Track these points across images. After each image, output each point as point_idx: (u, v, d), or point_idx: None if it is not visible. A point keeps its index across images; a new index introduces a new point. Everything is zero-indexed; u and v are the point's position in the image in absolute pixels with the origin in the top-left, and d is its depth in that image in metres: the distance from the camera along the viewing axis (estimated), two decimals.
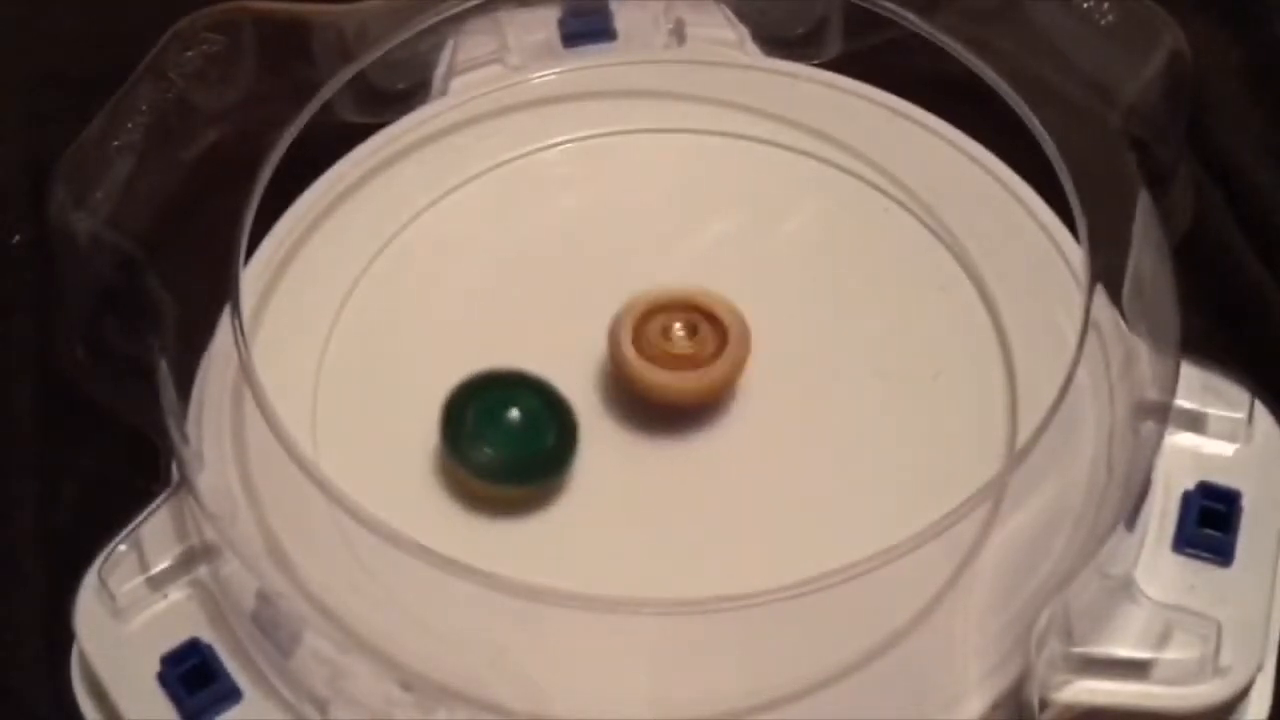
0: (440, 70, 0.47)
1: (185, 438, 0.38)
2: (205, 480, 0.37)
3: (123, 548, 0.37)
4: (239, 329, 0.38)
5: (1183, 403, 0.39)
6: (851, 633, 0.35)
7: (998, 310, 0.41)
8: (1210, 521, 0.38)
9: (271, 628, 0.35)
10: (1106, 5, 0.45)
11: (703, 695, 0.35)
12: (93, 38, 0.51)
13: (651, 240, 0.43)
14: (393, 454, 0.39)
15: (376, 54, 0.44)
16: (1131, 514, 0.36)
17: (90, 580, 0.37)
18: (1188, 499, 0.38)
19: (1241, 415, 0.39)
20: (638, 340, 0.39)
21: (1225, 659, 0.35)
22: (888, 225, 0.43)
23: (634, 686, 0.35)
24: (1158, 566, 0.37)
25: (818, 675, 0.35)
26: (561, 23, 0.47)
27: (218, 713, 0.35)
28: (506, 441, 0.38)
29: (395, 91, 0.46)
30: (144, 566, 0.37)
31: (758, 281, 0.42)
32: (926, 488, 0.37)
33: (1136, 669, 0.35)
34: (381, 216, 0.43)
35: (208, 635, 0.36)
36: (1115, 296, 0.40)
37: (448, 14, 0.45)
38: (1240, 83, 0.52)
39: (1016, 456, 0.36)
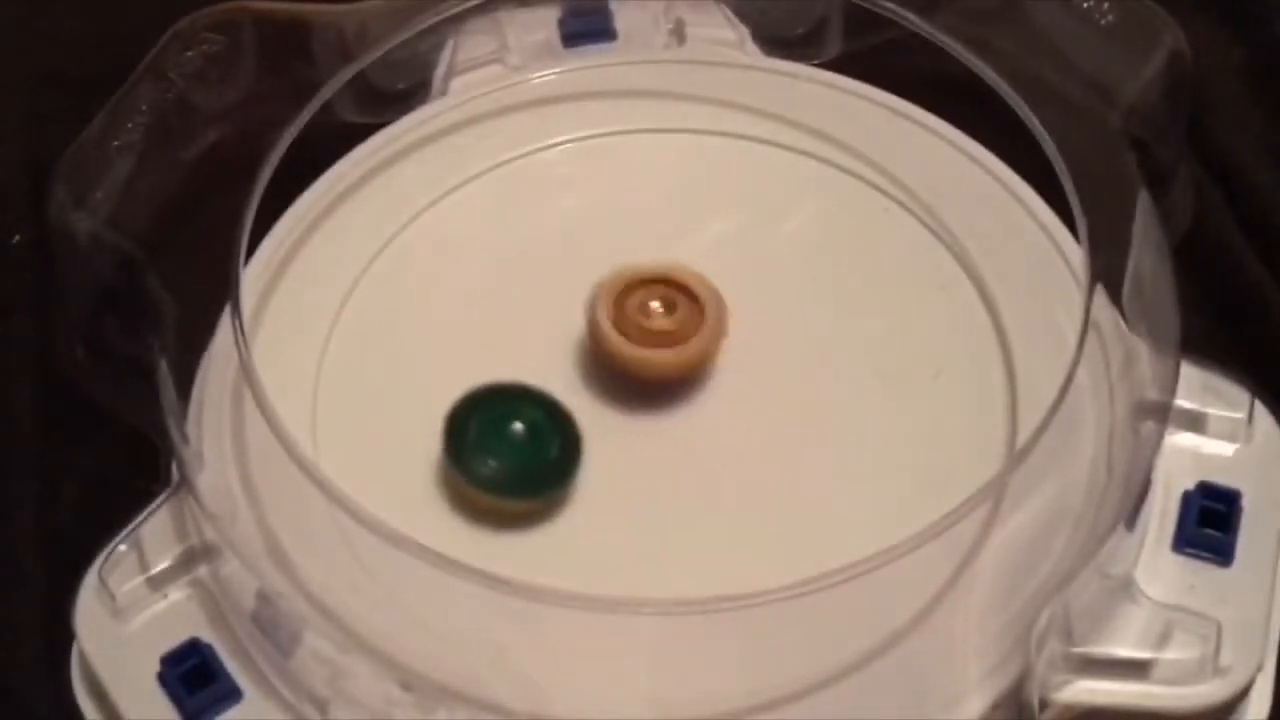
0: (440, 70, 0.47)
1: (185, 438, 0.38)
2: (205, 480, 0.37)
3: (123, 548, 0.37)
4: (239, 329, 0.38)
5: (1183, 403, 0.39)
6: (851, 633, 0.35)
7: (998, 310, 0.41)
8: (1210, 521, 0.38)
9: (271, 628, 0.35)
10: (1106, 5, 0.45)
11: (703, 695, 0.35)
12: (93, 38, 0.51)
13: (651, 240, 0.43)
14: (392, 454, 0.39)
15: (376, 54, 0.44)
16: (1131, 514, 0.36)
17: (90, 580, 0.37)
18: (1188, 499, 0.38)
19: (1241, 415, 0.39)
20: (617, 318, 0.39)
21: (1225, 659, 0.35)
22: (888, 225, 0.43)
23: (634, 686, 0.35)
24: (1158, 566, 0.37)
25: (818, 675, 0.35)
26: (561, 23, 0.47)
27: (218, 713, 0.35)
28: (510, 454, 0.38)
29: (395, 91, 0.46)
30: (144, 566, 0.37)
31: (758, 281, 0.42)
32: (926, 488, 0.37)
33: (1136, 669, 0.35)
34: (381, 216, 0.43)
35: (208, 635, 0.36)
36: (1115, 296, 0.40)
37: (448, 14, 0.45)
38: (1240, 83, 0.52)
39: (1016, 456, 0.36)
